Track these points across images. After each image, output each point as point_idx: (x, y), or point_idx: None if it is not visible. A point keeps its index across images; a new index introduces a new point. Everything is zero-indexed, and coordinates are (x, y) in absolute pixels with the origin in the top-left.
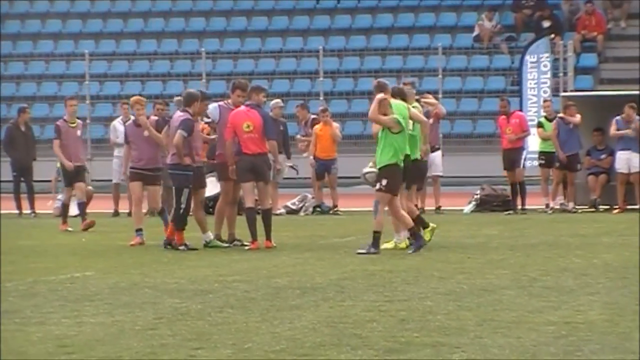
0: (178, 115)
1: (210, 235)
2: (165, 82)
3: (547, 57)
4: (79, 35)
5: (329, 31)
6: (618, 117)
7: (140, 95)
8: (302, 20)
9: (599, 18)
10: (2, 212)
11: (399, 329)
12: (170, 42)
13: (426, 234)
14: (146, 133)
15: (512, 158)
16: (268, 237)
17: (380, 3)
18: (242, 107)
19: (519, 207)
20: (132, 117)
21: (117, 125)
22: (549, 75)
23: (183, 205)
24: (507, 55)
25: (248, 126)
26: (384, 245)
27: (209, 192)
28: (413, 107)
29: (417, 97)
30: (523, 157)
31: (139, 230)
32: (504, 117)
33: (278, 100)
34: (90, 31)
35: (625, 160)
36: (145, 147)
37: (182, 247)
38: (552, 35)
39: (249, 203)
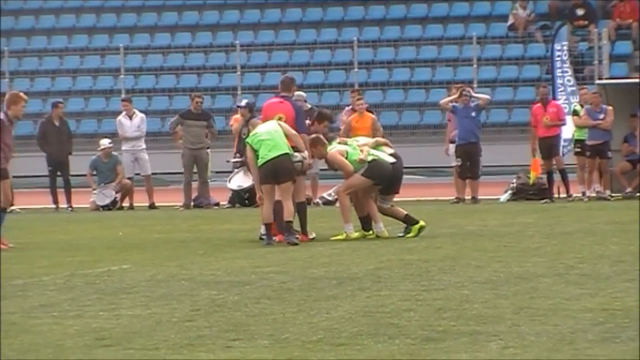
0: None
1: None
2: (199, 75)
3: (564, 46)
4: (113, 29)
5: (363, 22)
6: None
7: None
8: (336, 11)
9: (634, 5)
10: (39, 206)
11: (436, 318)
12: (205, 35)
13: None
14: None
15: (549, 145)
16: (303, 231)
17: None
18: (275, 99)
19: (565, 194)
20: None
21: (123, 120)
22: (568, 63)
23: None
24: (542, 44)
25: (280, 118)
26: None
27: (242, 184)
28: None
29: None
30: (561, 144)
31: None
32: (539, 105)
33: (301, 93)
34: (125, 25)
35: None
36: (9, 144)
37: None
38: (584, 23)
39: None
